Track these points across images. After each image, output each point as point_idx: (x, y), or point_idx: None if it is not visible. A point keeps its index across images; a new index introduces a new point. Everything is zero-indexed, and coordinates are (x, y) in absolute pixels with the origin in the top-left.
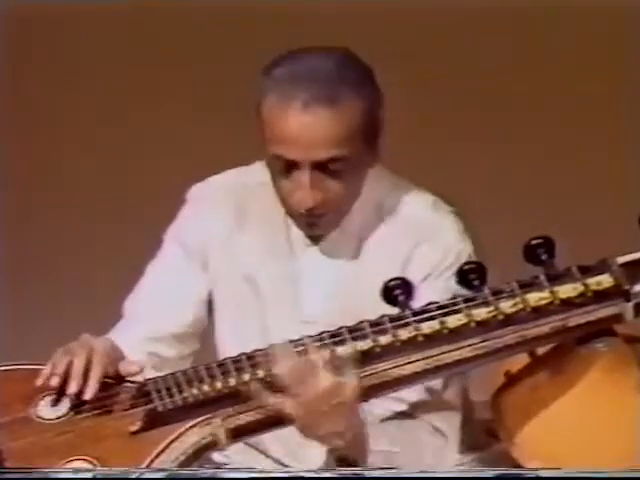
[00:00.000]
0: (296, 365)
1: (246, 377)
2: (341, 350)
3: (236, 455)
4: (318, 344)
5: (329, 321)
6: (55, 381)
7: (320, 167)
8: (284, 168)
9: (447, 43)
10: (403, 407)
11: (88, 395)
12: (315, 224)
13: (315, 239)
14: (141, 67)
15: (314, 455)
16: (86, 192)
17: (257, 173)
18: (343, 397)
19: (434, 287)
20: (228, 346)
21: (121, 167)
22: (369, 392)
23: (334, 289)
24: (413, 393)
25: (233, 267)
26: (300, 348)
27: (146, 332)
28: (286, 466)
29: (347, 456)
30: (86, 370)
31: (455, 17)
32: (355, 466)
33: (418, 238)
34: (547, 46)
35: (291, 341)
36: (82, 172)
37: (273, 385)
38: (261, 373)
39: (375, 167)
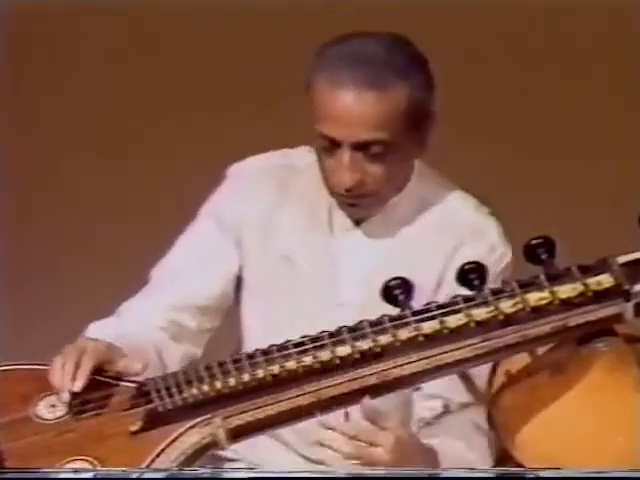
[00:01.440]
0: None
1: (246, 377)
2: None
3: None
4: (317, 343)
5: (364, 305)
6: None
7: (361, 148)
8: (327, 147)
9: (449, 43)
10: (440, 403)
11: (76, 388)
12: (355, 205)
13: (357, 222)
14: (141, 66)
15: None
16: (86, 192)
17: (301, 155)
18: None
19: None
20: (255, 326)
21: (121, 167)
22: (369, 392)
23: (372, 274)
24: (455, 392)
25: (270, 246)
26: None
27: (171, 300)
28: (305, 457)
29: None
30: (75, 373)
31: (455, 17)
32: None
33: (462, 237)
34: (547, 46)
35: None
36: (82, 172)
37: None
38: (261, 373)
39: (420, 158)
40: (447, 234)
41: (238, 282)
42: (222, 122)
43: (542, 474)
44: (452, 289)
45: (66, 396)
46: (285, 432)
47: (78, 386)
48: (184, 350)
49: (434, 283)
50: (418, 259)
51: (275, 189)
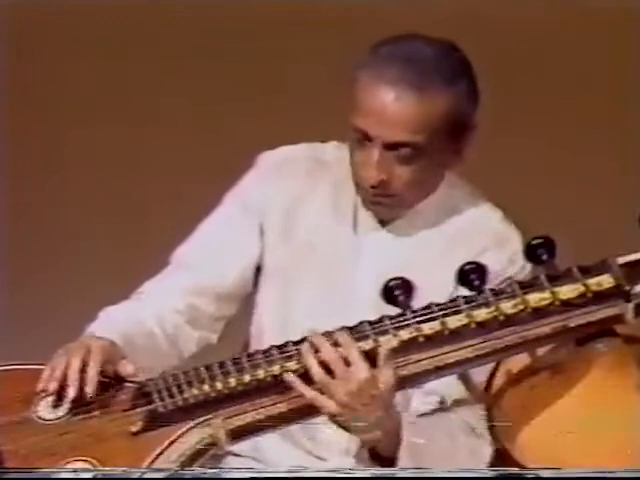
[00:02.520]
0: (328, 359)
1: (246, 378)
2: (382, 340)
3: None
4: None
5: (377, 305)
6: (53, 386)
7: (391, 148)
8: (360, 140)
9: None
10: (439, 404)
11: (90, 392)
12: (379, 203)
13: (381, 223)
14: (140, 63)
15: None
16: (86, 191)
17: (331, 150)
18: (377, 390)
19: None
20: (271, 316)
21: (121, 167)
22: None
23: (389, 275)
24: (452, 389)
25: (292, 236)
26: (332, 340)
27: (191, 284)
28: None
29: (381, 449)
30: (82, 371)
31: (457, 19)
32: (388, 459)
33: (485, 245)
34: (547, 47)
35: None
36: (82, 172)
37: (305, 378)
38: (261, 373)
39: (454, 169)
40: (470, 242)
41: (258, 270)
42: (223, 117)
43: (542, 474)
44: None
45: (72, 393)
46: (301, 438)
47: (91, 390)
48: (199, 335)
49: (452, 288)
50: (437, 264)
51: (303, 180)
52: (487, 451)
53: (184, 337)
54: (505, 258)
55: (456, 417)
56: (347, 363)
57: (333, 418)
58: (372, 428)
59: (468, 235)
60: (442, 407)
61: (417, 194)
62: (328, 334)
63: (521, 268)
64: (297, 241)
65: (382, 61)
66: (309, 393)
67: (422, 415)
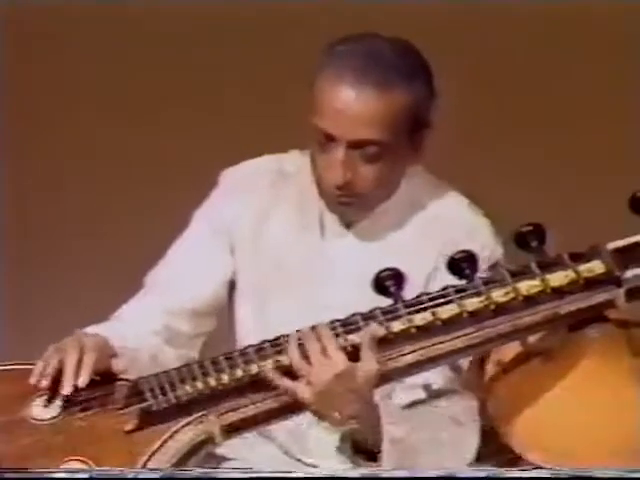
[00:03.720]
0: (309, 350)
1: (239, 373)
2: (357, 336)
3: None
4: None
5: (353, 309)
6: (47, 381)
7: (356, 147)
8: (323, 142)
9: (449, 42)
10: (420, 394)
11: (81, 383)
12: (345, 203)
13: (347, 226)
14: (141, 68)
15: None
16: (86, 192)
17: (292, 159)
18: (356, 382)
19: None
20: (250, 329)
21: (120, 167)
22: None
23: (361, 277)
24: (435, 381)
25: (262, 251)
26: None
27: (164, 304)
28: (294, 457)
29: (361, 441)
30: (77, 368)
31: (454, 16)
32: (370, 451)
33: (453, 236)
34: (547, 47)
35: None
36: (82, 172)
37: (287, 371)
38: (254, 369)
39: (415, 166)
40: (439, 234)
41: (231, 286)
42: (222, 125)
43: (542, 474)
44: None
45: (68, 389)
46: (280, 435)
47: (84, 381)
48: (179, 354)
49: (424, 280)
50: (409, 260)
51: (266, 194)
52: (473, 441)
53: (163, 356)
54: (476, 245)
55: (439, 408)
56: (325, 354)
57: (310, 407)
58: (349, 420)
59: (436, 229)
60: (425, 398)
61: (382, 193)
62: (313, 328)
63: (492, 252)
64: (267, 256)
65: (340, 60)
66: (284, 383)
67: (405, 407)
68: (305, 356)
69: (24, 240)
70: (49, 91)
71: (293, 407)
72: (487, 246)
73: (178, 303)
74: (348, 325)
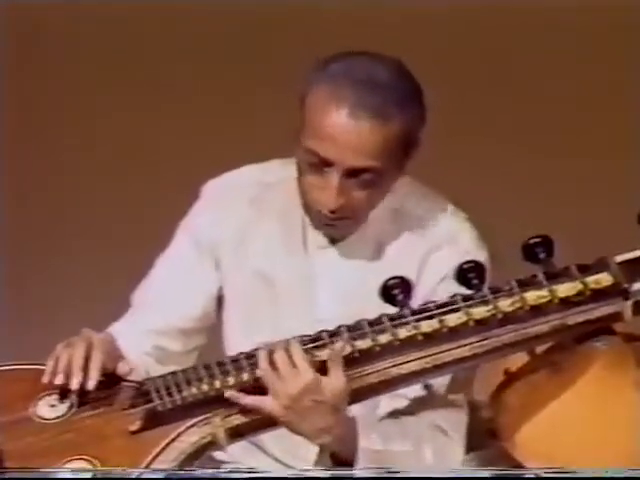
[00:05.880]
0: (276, 363)
1: (245, 376)
2: (324, 353)
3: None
4: (317, 343)
5: (342, 322)
6: (59, 379)
7: (351, 174)
8: (315, 165)
9: (445, 41)
10: (403, 404)
11: (90, 386)
12: (333, 226)
13: (332, 241)
14: (141, 68)
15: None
16: (85, 191)
17: (275, 171)
18: (323, 395)
19: (451, 289)
20: (238, 344)
21: (120, 167)
22: (368, 391)
23: (349, 291)
24: (412, 389)
25: (246, 265)
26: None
27: (153, 324)
28: (285, 464)
29: (338, 453)
30: (86, 364)
31: (451, 16)
32: (348, 463)
33: (436, 242)
34: (546, 46)
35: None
36: (81, 172)
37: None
38: (259, 372)
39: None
40: (422, 241)
41: (219, 301)
42: (222, 124)
43: (542, 474)
44: (426, 292)
45: (76, 385)
46: (271, 446)
47: (92, 385)
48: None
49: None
50: (394, 270)
51: (249, 207)
52: (458, 452)
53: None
54: (459, 251)
55: (423, 419)
56: (294, 366)
57: (279, 420)
58: (320, 433)
59: (419, 235)
60: (408, 409)
61: (369, 213)
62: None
63: (474, 257)
64: (251, 270)
65: (334, 81)
66: (245, 400)
67: (388, 415)
68: (274, 368)
69: (24, 240)
70: (49, 91)
71: None
72: (469, 251)
73: (166, 323)
74: (355, 331)
